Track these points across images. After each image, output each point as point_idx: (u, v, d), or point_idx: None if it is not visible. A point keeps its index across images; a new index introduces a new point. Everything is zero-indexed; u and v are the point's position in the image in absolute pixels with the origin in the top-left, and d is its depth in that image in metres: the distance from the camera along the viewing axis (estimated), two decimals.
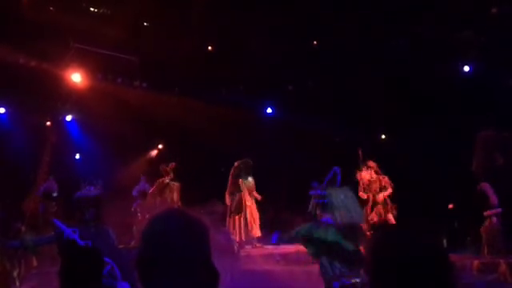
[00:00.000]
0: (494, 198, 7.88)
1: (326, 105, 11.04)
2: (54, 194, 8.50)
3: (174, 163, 9.72)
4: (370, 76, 10.60)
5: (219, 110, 10.69)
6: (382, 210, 8.96)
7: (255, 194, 9.46)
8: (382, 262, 1.36)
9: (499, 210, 7.81)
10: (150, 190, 9.46)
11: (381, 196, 8.99)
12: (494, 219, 7.80)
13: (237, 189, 9.30)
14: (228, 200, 9.29)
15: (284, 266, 7.31)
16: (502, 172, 8.34)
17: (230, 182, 9.41)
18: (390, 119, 11.22)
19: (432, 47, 9.97)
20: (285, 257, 8.03)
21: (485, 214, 7.86)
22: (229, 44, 10.64)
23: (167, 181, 9.49)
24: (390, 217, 8.98)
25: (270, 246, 9.22)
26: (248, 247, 8.91)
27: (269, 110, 12.24)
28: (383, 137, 12.44)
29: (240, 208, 9.16)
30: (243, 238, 9.02)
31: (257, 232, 9.25)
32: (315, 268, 5.55)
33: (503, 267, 6.81)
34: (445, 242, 8.45)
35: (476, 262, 7.20)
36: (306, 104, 11.21)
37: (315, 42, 11.23)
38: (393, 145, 11.57)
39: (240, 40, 10.31)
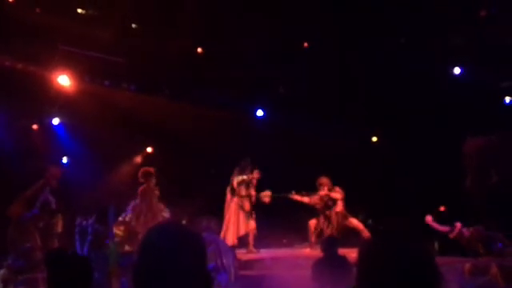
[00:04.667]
0: (442, 229, 7.99)
1: (317, 107, 11.01)
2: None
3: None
4: (362, 78, 10.58)
5: (209, 112, 10.61)
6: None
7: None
8: (369, 271, 1.32)
9: (458, 225, 7.87)
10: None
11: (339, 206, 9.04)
12: (465, 232, 7.85)
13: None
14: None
15: (275, 271, 7.25)
16: (497, 189, 8.29)
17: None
18: (382, 122, 11.20)
19: (422, 49, 9.98)
20: (276, 261, 7.96)
21: (451, 236, 7.97)
22: (218, 46, 10.57)
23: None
24: (354, 221, 9.04)
25: (263, 251, 9.12)
26: (243, 251, 8.76)
27: (259, 113, 12.16)
28: (375, 139, 12.41)
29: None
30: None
31: (230, 239, 8.61)
32: (306, 273, 5.51)
33: (494, 270, 6.78)
34: (436, 245, 8.43)
35: (467, 265, 7.16)
36: (297, 106, 11.16)
37: (306, 44, 11.20)
38: (384, 147, 11.55)
39: (230, 41, 10.26)
